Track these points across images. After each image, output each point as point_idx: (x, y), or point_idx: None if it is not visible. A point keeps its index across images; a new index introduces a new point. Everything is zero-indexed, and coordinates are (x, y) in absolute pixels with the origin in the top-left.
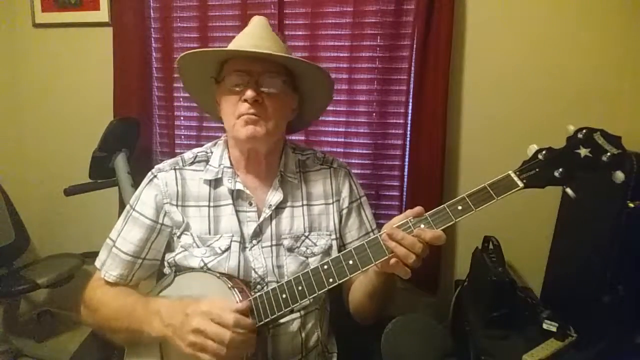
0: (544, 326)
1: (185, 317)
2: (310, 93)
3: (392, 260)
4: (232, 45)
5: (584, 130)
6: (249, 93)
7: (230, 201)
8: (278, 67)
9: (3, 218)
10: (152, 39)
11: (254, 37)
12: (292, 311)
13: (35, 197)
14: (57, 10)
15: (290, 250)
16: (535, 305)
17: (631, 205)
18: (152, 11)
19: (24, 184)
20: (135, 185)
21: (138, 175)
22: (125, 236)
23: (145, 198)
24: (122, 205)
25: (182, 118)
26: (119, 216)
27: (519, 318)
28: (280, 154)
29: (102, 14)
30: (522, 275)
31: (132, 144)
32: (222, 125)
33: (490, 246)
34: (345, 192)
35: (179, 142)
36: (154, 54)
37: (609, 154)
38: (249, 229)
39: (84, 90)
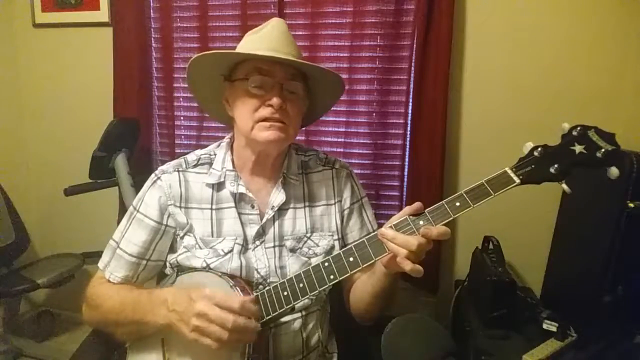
0: (544, 326)
1: (189, 301)
2: (319, 95)
3: (398, 258)
4: (250, 45)
5: (579, 128)
6: (276, 100)
7: (233, 204)
8: (297, 72)
9: (3, 218)
10: (152, 39)
11: (276, 40)
12: (293, 309)
13: (35, 197)
14: (57, 10)
15: (293, 251)
16: (535, 305)
17: (631, 205)
18: (152, 11)
19: (24, 184)
20: (136, 185)
21: (138, 175)
22: (130, 238)
23: (149, 200)
24: (122, 205)
25: (182, 118)
26: (119, 216)
27: (519, 318)
28: (284, 155)
29: (102, 14)
30: (522, 275)
31: (132, 144)
32: (222, 125)
33: (490, 246)
34: (347, 193)
35: (179, 142)
36: (154, 54)
37: (603, 150)
38: (252, 230)
39: (84, 90)
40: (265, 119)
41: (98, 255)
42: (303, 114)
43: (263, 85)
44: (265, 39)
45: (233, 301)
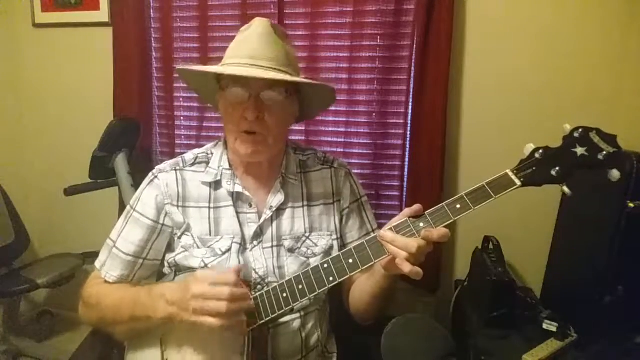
0: (544, 326)
1: (185, 289)
2: (310, 95)
3: (398, 260)
4: (232, 51)
5: (580, 130)
6: (250, 114)
7: (231, 203)
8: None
9: (3, 218)
10: (152, 39)
11: (254, 46)
12: (292, 310)
13: (35, 197)
14: (57, 10)
15: (291, 251)
16: (535, 305)
17: (631, 205)
18: (152, 11)
19: (24, 184)
20: (136, 185)
21: (138, 175)
22: (126, 237)
23: (146, 199)
24: (122, 205)
25: (182, 118)
26: (119, 216)
27: (519, 318)
28: (282, 155)
29: (102, 14)
30: (522, 275)
31: (132, 144)
32: (222, 125)
33: (490, 246)
34: (346, 193)
35: (179, 142)
36: (154, 54)
37: (604, 152)
38: (250, 230)
39: (84, 90)
40: (243, 132)
41: (98, 255)
42: (292, 115)
43: (240, 96)
44: (244, 45)
45: (228, 277)
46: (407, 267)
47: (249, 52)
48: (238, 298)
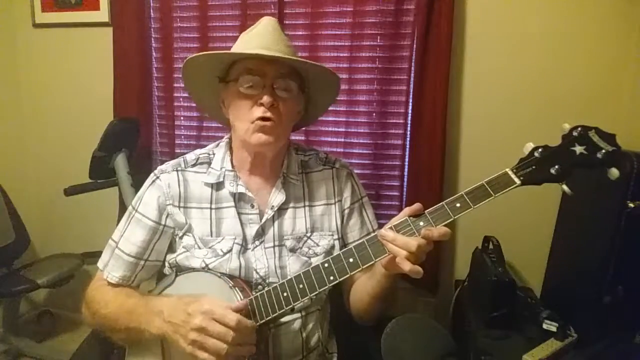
0: (544, 326)
1: (186, 315)
2: (315, 94)
3: (398, 259)
4: (241, 45)
5: (579, 128)
6: (266, 98)
7: (232, 203)
8: (289, 70)
9: (3, 218)
10: (152, 39)
11: (266, 38)
12: (292, 310)
13: (35, 197)
14: (57, 10)
15: (293, 250)
16: (535, 305)
17: (631, 205)
18: (152, 11)
19: (24, 184)
20: (135, 185)
21: (138, 175)
22: (128, 237)
23: (148, 199)
24: (122, 205)
25: (182, 118)
26: (119, 216)
27: (519, 318)
28: (283, 155)
29: (102, 14)
30: (522, 275)
31: (132, 144)
32: (223, 125)
33: (490, 246)
34: (347, 193)
35: (179, 142)
36: (154, 54)
37: (603, 151)
38: (252, 230)
39: (84, 90)
40: (257, 119)
41: (98, 255)
42: (298, 113)
43: (254, 86)
44: (255, 38)
45: (230, 318)
46: (407, 266)
47: (260, 43)
48: (240, 344)
